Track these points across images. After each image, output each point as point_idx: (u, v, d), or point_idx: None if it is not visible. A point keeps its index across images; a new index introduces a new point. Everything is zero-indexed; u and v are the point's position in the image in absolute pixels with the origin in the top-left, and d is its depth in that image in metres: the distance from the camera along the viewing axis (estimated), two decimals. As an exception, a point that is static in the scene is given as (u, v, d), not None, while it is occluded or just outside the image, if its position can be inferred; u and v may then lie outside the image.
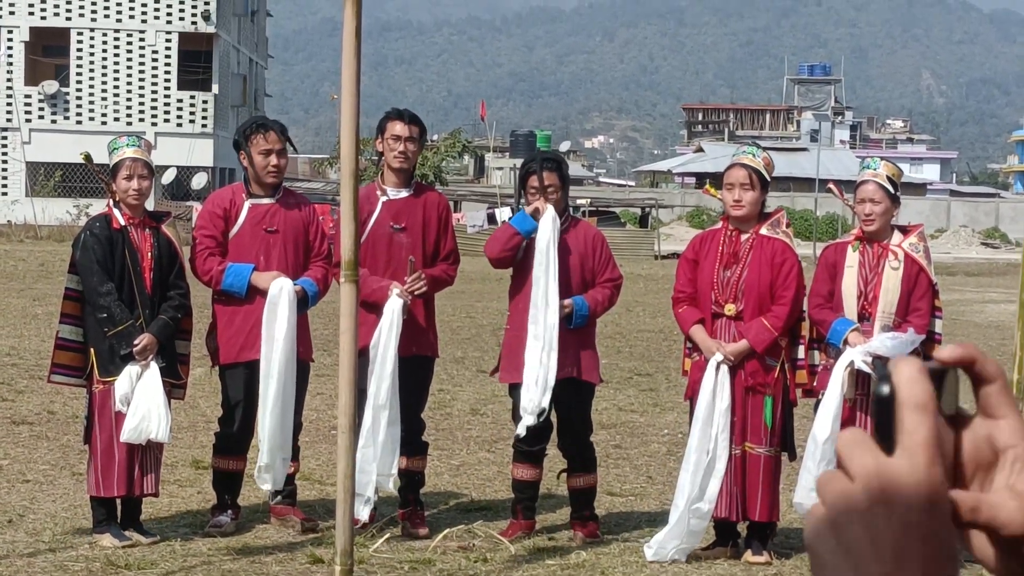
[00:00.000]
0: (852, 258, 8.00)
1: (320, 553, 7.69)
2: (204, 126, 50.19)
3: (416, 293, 8.21)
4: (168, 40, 50.40)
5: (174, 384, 8.05)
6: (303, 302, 8.21)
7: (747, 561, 7.98)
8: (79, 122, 49.55)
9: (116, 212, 8.01)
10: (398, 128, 8.41)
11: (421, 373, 8.42)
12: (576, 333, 8.16)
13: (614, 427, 12.08)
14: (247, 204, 8.36)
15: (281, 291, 8.05)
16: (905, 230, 8.12)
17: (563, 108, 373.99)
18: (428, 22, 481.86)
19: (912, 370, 0.98)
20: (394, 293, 8.11)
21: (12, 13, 50.18)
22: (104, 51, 50.22)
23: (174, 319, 7.99)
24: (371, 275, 8.12)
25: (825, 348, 8.01)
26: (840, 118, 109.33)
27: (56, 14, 50.40)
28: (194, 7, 50.43)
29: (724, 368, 7.84)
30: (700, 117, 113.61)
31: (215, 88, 50.93)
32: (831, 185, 9.59)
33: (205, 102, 50.44)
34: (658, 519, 8.51)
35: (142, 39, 50.27)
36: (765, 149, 8.47)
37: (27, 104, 49.74)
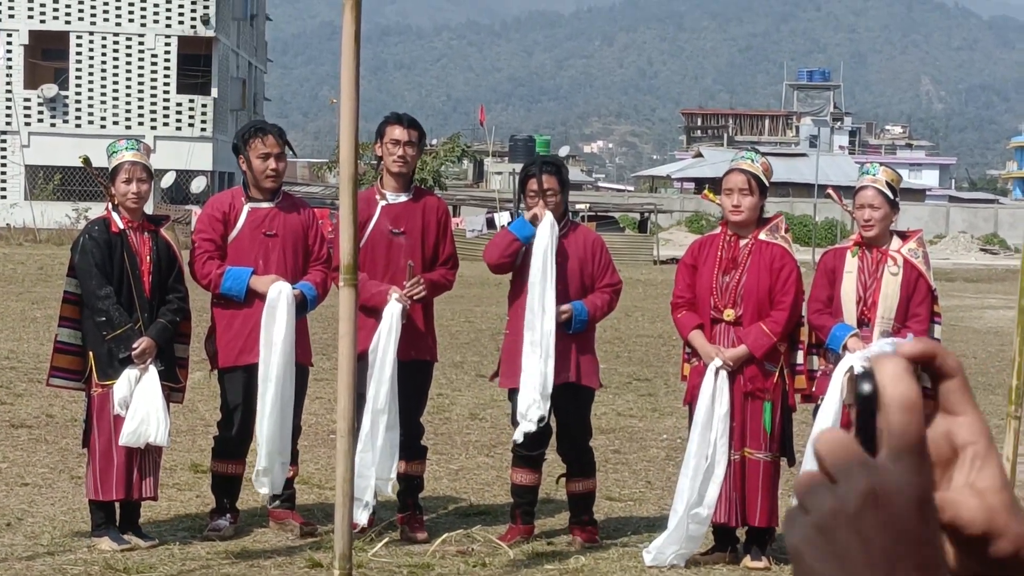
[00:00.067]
0: (851, 263, 8.00)
1: (319, 557, 7.69)
2: (203, 130, 50.19)
3: (415, 297, 8.22)
4: (167, 44, 50.41)
5: (173, 388, 8.05)
6: (302, 306, 8.22)
7: (746, 566, 7.98)
8: (78, 126, 49.56)
9: (115, 216, 8.01)
10: (397, 132, 8.42)
11: (420, 377, 8.43)
12: (575, 338, 8.16)
13: (613, 432, 12.08)
14: (246, 208, 8.36)
15: (280, 295, 8.05)
16: (904, 236, 8.12)
17: (562, 113, 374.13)
18: (427, 27, 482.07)
19: (897, 368, 0.96)
20: (393, 297, 8.11)
21: (12, 16, 50.19)
22: (103, 55, 50.23)
23: (173, 323, 7.99)
24: (370, 279, 8.12)
25: (824, 353, 8.01)
26: (839, 123, 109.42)
27: (55, 18, 50.41)
28: (193, 11, 50.44)
29: (723, 373, 7.85)
30: (699, 122, 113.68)
31: (214, 92, 50.93)
32: (830, 191, 9.59)
33: (204, 106, 50.45)
34: (657, 524, 8.51)
35: (141, 43, 50.28)
36: (764, 154, 8.49)
37: (26, 107, 49.75)
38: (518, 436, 8.16)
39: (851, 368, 7.76)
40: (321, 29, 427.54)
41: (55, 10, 50.36)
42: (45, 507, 8.75)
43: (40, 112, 49.93)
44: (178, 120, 50.24)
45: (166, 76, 50.26)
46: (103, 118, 49.71)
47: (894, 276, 7.92)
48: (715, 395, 7.82)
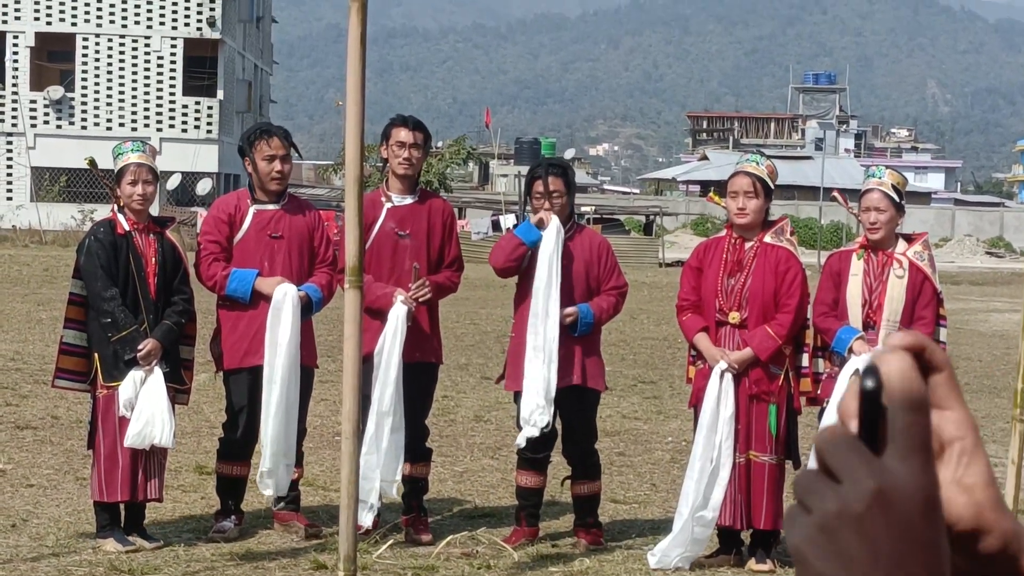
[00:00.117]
0: (856, 266, 8.00)
1: (323, 559, 7.69)
2: (209, 132, 50.23)
3: (420, 300, 8.22)
4: (173, 46, 50.45)
5: (178, 389, 8.06)
6: (307, 308, 8.22)
7: (751, 569, 7.98)
8: (84, 127, 49.60)
9: (120, 217, 8.02)
10: (403, 135, 8.42)
11: (425, 379, 8.43)
12: (581, 340, 8.16)
13: (618, 434, 12.08)
14: (252, 210, 8.36)
15: (285, 297, 8.06)
16: (910, 238, 8.11)
17: (568, 115, 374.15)
18: (433, 29, 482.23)
19: (903, 364, 0.94)
20: (398, 300, 8.11)
21: (18, 18, 50.24)
22: (109, 57, 50.27)
23: (178, 324, 7.99)
24: (375, 281, 8.12)
25: (829, 356, 8.00)
26: (845, 127, 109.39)
27: (62, 20, 50.45)
28: (199, 13, 50.48)
29: (728, 376, 7.84)
30: (705, 125, 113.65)
31: (220, 94, 50.97)
32: (836, 193, 9.58)
33: (210, 108, 50.48)
34: (662, 527, 8.51)
35: (147, 45, 50.31)
36: (769, 157, 8.48)
37: (32, 109, 49.80)
38: (520, 441, 8.17)
39: (856, 371, 7.75)
40: (327, 31, 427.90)
41: (61, 12, 50.41)
42: (50, 508, 8.76)
43: (46, 114, 49.97)
44: (184, 122, 50.27)
45: (172, 78, 50.29)
46: (109, 120, 49.74)
47: (899, 279, 7.91)
48: (720, 398, 7.82)
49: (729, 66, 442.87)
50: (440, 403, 12.09)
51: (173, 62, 50.38)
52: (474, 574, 7.68)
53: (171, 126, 50.04)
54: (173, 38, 50.45)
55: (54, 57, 51.25)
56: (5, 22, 50.11)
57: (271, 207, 8.39)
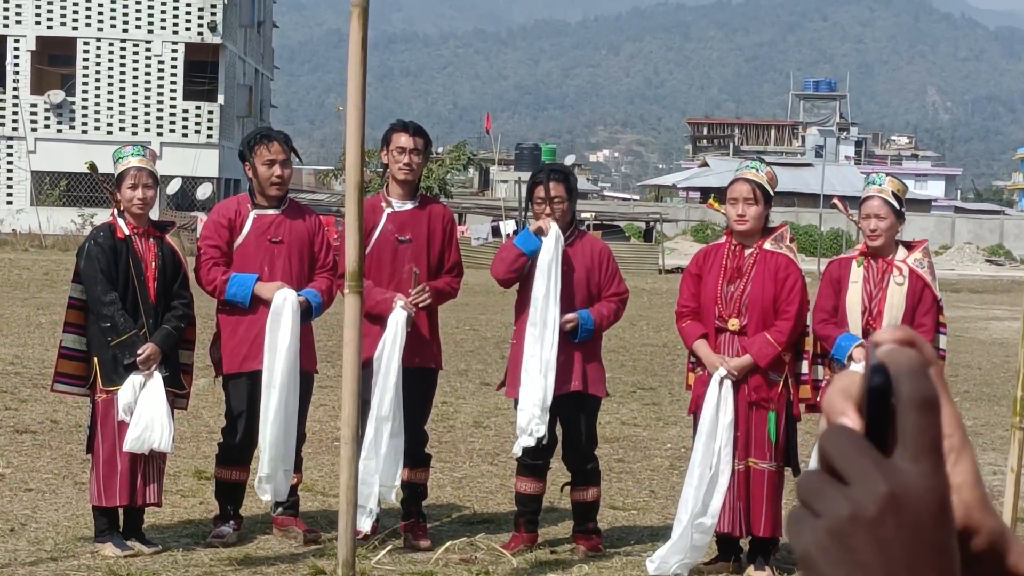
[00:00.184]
0: (856, 273, 8.00)
1: (322, 564, 7.68)
2: (209, 136, 50.24)
3: (420, 305, 8.22)
4: (174, 50, 50.47)
5: (177, 394, 8.05)
6: (307, 313, 8.22)
7: (749, 576, 7.97)
8: (84, 131, 49.62)
9: (120, 222, 8.02)
10: (403, 140, 8.42)
11: (424, 385, 8.42)
12: (582, 347, 8.16)
13: (617, 441, 12.07)
14: (252, 215, 8.36)
15: (285, 302, 8.05)
16: (909, 246, 8.11)
17: (568, 121, 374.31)
18: (434, 34, 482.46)
19: (913, 362, 0.92)
20: (398, 305, 8.10)
21: (19, 22, 50.27)
22: (110, 61, 50.29)
23: (177, 329, 7.99)
24: (375, 287, 8.12)
25: (829, 363, 8.00)
26: (845, 134, 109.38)
27: (63, 24, 50.47)
28: (200, 18, 50.51)
29: (728, 383, 7.84)
30: (705, 132, 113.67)
31: (221, 99, 50.99)
32: (836, 200, 9.59)
33: (211, 112, 50.49)
34: (661, 533, 8.50)
35: (148, 49, 50.33)
36: (769, 164, 8.48)
37: (33, 113, 49.82)
38: (517, 450, 8.19)
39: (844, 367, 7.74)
40: (328, 37, 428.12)
41: (62, 16, 50.43)
42: (49, 513, 8.76)
43: (47, 118, 49.99)
44: (184, 126, 50.29)
45: (172, 82, 50.31)
46: (109, 124, 49.76)
47: (899, 286, 7.91)
48: (719, 404, 7.82)
49: (730, 73, 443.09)
50: (439, 409, 12.09)
51: (174, 66, 50.40)
52: (473, 580, 7.67)
53: (172, 130, 50.05)
54: (174, 42, 50.47)
55: (55, 61, 51.28)
56: (6, 26, 50.13)
57: (271, 212, 8.39)
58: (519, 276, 8.20)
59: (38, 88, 50.38)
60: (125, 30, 50.39)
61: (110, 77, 50.19)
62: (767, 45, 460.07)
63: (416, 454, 8.36)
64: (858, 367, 6.85)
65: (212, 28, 50.43)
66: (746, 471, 7.90)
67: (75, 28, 50.41)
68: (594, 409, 8.39)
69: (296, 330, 8.04)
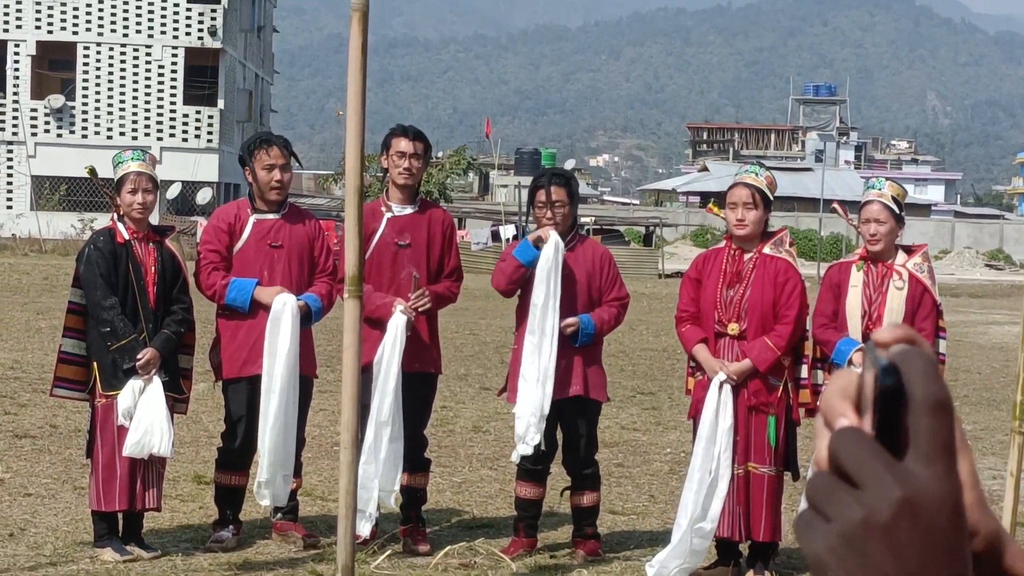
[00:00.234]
0: (856, 278, 8.00)
1: (321, 569, 7.68)
2: (209, 141, 50.26)
3: (420, 310, 8.22)
4: (174, 55, 50.49)
5: (176, 399, 8.05)
6: (306, 317, 8.21)
7: (749, 581, 7.97)
8: (84, 136, 49.64)
9: (120, 226, 8.02)
10: (403, 145, 8.42)
11: (424, 390, 8.42)
12: (582, 351, 8.17)
13: (617, 445, 12.07)
14: (252, 219, 8.36)
15: (284, 306, 8.05)
16: (909, 250, 8.11)
17: (568, 126, 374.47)
18: (434, 39, 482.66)
19: (926, 364, 0.90)
20: (398, 309, 8.11)
21: (19, 27, 50.30)
22: (110, 65, 50.31)
23: (177, 333, 7.99)
24: (375, 291, 8.12)
25: (829, 368, 8.00)
26: (845, 138, 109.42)
27: (63, 28, 50.50)
28: (200, 22, 50.53)
29: (727, 387, 7.84)
30: (705, 136, 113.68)
31: (221, 103, 51.01)
32: (835, 205, 9.59)
33: (211, 117, 50.51)
34: (660, 538, 8.50)
35: (148, 54, 50.35)
36: (769, 168, 8.48)
37: (33, 118, 49.83)
38: (515, 457, 8.20)
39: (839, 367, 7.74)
40: (328, 41, 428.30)
41: (63, 21, 50.45)
42: (48, 517, 8.75)
43: (47, 122, 50.00)
44: (184, 131, 50.30)
45: (172, 87, 50.33)
46: (109, 129, 49.78)
47: (899, 290, 7.91)
48: (719, 409, 7.81)
49: (730, 77, 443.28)
50: (439, 413, 12.09)
51: (174, 71, 50.42)
52: (472, 585, 7.67)
53: (171, 135, 50.07)
54: (174, 47, 50.49)
55: (55, 66, 51.29)
56: (6, 30, 50.16)
57: (271, 216, 8.39)
58: (519, 286, 8.20)
59: (38, 93, 50.40)
60: (125, 35, 50.41)
61: (110, 82, 50.21)
62: (767, 50, 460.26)
63: (415, 459, 8.36)
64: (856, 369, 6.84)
65: (212, 33, 50.45)
66: (746, 475, 7.90)
67: (75, 33, 50.43)
68: (595, 414, 8.39)
69: (296, 335, 8.03)
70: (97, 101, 50.12)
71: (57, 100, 49.70)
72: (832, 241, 56.22)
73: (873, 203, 7.99)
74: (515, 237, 38.15)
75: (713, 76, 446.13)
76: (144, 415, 7.77)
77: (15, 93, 49.79)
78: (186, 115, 50.37)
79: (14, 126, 49.30)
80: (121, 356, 7.80)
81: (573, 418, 8.23)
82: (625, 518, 9.49)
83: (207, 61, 50.84)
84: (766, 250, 8.01)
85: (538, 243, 8.11)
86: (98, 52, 50.35)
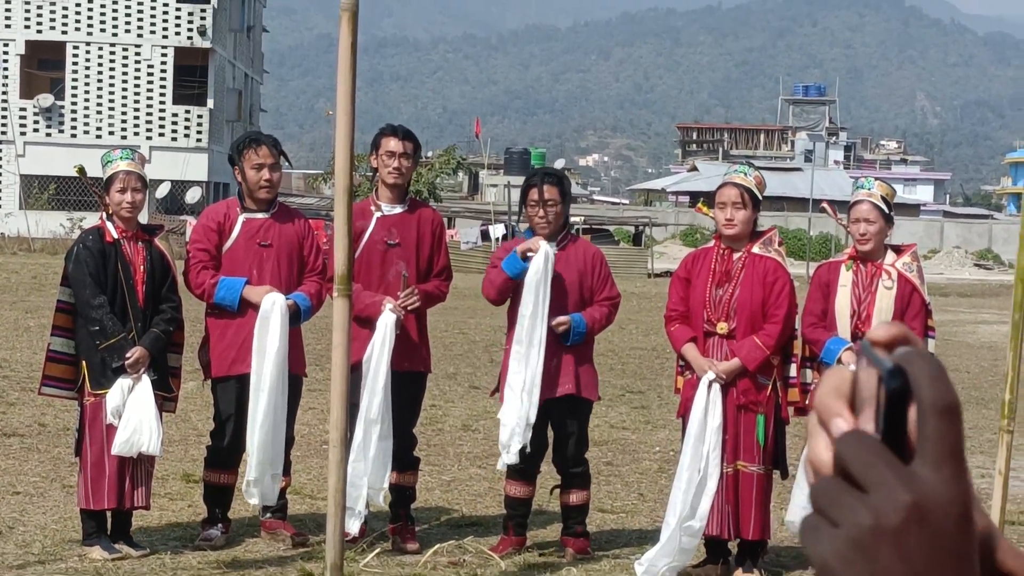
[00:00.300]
0: (845, 277, 8.01)
1: (310, 567, 7.68)
2: (199, 140, 50.20)
3: (409, 308, 8.22)
4: (164, 54, 50.44)
5: (165, 397, 8.05)
6: (295, 316, 8.21)
7: (738, 579, 7.98)
8: (74, 135, 49.57)
9: (109, 225, 8.01)
10: (392, 144, 8.42)
11: (413, 388, 8.42)
12: (574, 350, 8.17)
13: (606, 444, 12.08)
14: (241, 218, 8.36)
15: (273, 305, 8.05)
16: (899, 250, 8.13)
17: (558, 126, 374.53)
18: (424, 39, 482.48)
19: (933, 367, 0.88)
20: (387, 308, 8.11)
21: (8, 26, 50.22)
22: (100, 65, 50.24)
23: (166, 332, 7.99)
24: (364, 290, 8.12)
25: (818, 367, 8.01)
26: (834, 138, 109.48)
27: (52, 28, 50.43)
28: (190, 22, 50.48)
29: (716, 386, 7.84)
30: (694, 136, 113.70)
31: (210, 103, 50.96)
32: (825, 205, 9.61)
33: (200, 116, 50.46)
34: (649, 536, 8.51)
35: (138, 53, 50.29)
36: (757, 168, 8.49)
37: (22, 117, 49.76)
38: (500, 466, 8.22)
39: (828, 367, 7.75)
40: (318, 41, 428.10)
41: (52, 20, 50.38)
42: (37, 516, 8.74)
43: (36, 122, 49.93)
44: (174, 131, 50.25)
45: (162, 87, 50.27)
46: (99, 128, 49.71)
47: (888, 290, 7.93)
48: (708, 408, 7.82)
49: (719, 78, 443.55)
50: (428, 412, 12.09)
51: (163, 71, 50.37)
52: (461, 583, 7.67)
53: (161, 134, 50.02)
54: (163, 47, 50.43)
55: (44, 65, 51.21)
56: (-5, 30, 50.07)
57: (260, 216, 8.39)
58: (509, 295, 8.22)
59: (27, 92, 50.32)
60: (115, 34, 50.35)
61: (99, 81, 50.15)
62: (757, 50, 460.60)
63: (405, 457, 8.36)
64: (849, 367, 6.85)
65: (202, 32, 50.40)
66: (735, 474, 7.91)
67: (64, 32, 50.36)
68: (586, 413, 8.40)
69: (285, 334, 8.03)
70: (86, 100, 50.05)
71: (46, 99, 49.62)
72: (821, 241, 56.28)
73: (862, 203, 8.00)
74: (505, 237, 38.14)
75: (703, 76, 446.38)
76: (133, 414, 7.77)
77: (4, 92, 49.71)
78: (175, 114, 50.32)
79: (3, 125, 49.22)
80: (110, 355, 7.80)
81: (564, 416, 8.24)
82: (614, 516, 9.49)
83: (196, 61, 50.79)
84: (755, 249, 8.02)
85: (527, 254, 8.09)
86: (87, 51, 50.29)
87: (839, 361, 7.78)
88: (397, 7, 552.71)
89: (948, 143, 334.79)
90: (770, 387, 7.93)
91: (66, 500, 9.00)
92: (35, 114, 49.88)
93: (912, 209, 75.44)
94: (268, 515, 8.40)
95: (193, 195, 44.58)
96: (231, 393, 8.27)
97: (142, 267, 7.99)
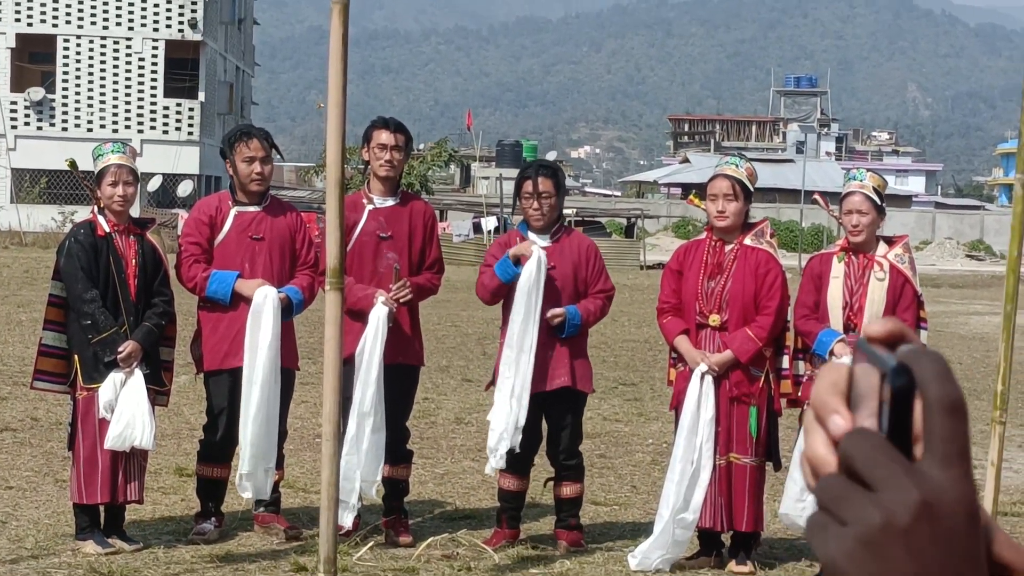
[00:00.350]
0: (837, 269, 8.02)
1: (303, 561, 7.68)
2: (190, 134, 50.15)
3: (401, 300, 8.21)
4: (155, 47, 50.37)
5: (158, 391, 8.04)
6: (288, 310, 8.20)
7: (731, 571, 7.98)
8: (65, 129, 49.50)
9: (101, 219, 8.00)
10: (384, 137, 8.42)
11: (406, 381, 8.42)
12: (569, 343, 8.18)
13: (599, 436, 12.08)
14: (233, 212, 8.35)
15: (265, 299, 8.04)
16: (890, 241, 8.13)
17: (550, 118, 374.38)
18: (415, 31, 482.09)
19: (938, 364, 0.88)
20: (379, 301, 8.10)
21: (-2, 19, 50.13)
22: (90, 58, 50.17)
23: (158, 326, 7.98)
24: (356, 283, 8.12)
25: (810, 358, 8.01)
26: (826, 130, 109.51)
27: (43, 21, 50.34)
28: (181, 15, 50.40)
29: (709, 378, 7.85)
30: (686, 128, 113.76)
31: (201, 96, 50.89)
32: (817, 196, 9.61)
33: (191, 110, 50.41)
34: (642, 529, 8.51)
35: (128, 46, 50.22)
36: (749, 160, 8.49)
37: (13, 111, 49.67)
38: (488, 470, 8.22)
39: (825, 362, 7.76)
40: (309, 34, 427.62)
41: (42, 13, 50.29)
42: (29, 510, 8.73)
43: (27, 115, 49.85)
44: (165, 124, 50.19)
45: (153, 80, 50.21)
46: (90, 121, 49.65)
47: (880, 281, 7.93)
48: (701, 400, 7.83)
49: (711, 69, 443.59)
50: (421, 405, 12.09)
51: (154, 64, 50.30)
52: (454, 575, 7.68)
53: (152, 128, 49.95)
54: (154, 40, 50.37)
55: (35, 58, 51.14)
56: (-14, 23, 49.98)
57: (252, 209, 8.38)
58: (502, 297, 8.21)
59: (18, 85, 50.23)
60: (105, 27, 50.27)
61: (90, 74, 50.08)
62: (748, 42, 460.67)
63: (398, 450, 8.36)
64: (840, 362, 6.86)
65: (192, 25, 50.34)
66: (727, 466, 7.92)
67: (55, 25, 50.28)
68: (581, 405, 8.41)
69: (277, 327, 8.03)
70: (77, 94, 49.98)
71: (37, 93, 49.54)
72: (813, 232, 56.32)
73: (855, 194, 8.01)
74: (497, 229, 38.13)
75: (694, 68, 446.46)
76: (125, 408, 7.76)
77: (-5, 86, 49.62)
78: (167, 108, 50.26)
79: (-6, 119, 49.14)
80: (102, 349, 7.79)
81: (559, 409, 8.24)
82: (607, 509, 9.50)
83: (187, 54, 50.71)
84: (747, 241, 8.03)
85: (517, 261, 8.08)
86: (78, 45, 50.21)
87: (831, 353, 7.78)
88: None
89: (939, 134, 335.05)
90: (763, 379, 7.94)
91: (59, 494, 8.99)
92: (26, 108, 49.80)
93: (904, 200, 75.50)
94: (261, 509, 8.39)
95: (185, 188, 44.53)
96: (224, 387, 8.26)
97: (134, 261, 7.98)
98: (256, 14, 65.52)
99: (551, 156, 67.61)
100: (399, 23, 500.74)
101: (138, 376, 7.83)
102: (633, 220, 51.24)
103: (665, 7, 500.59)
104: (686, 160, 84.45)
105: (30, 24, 50.31)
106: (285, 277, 8.31)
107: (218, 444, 8.33)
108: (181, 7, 50.36)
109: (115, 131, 48.16)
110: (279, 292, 8.13)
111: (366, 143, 8.52)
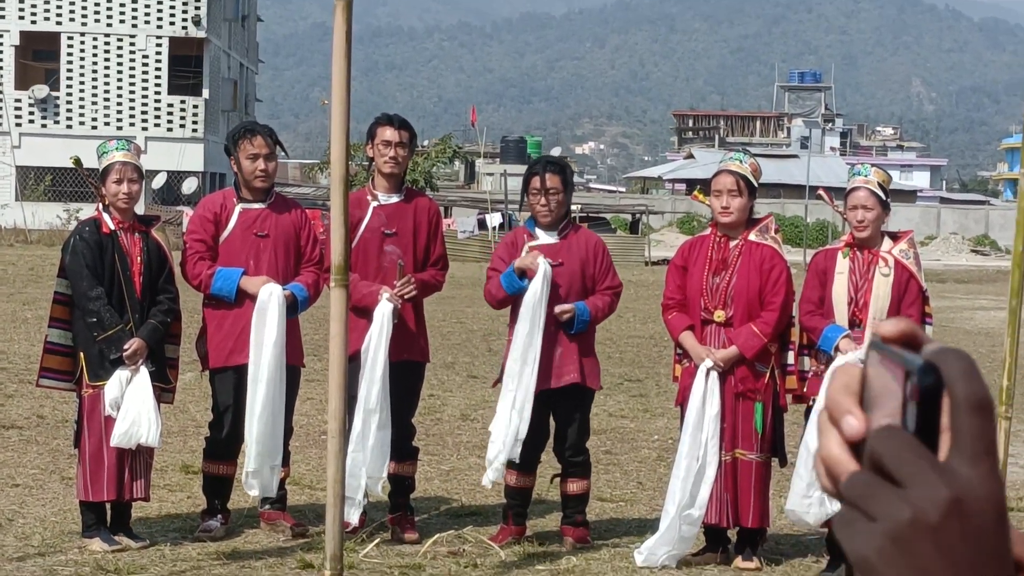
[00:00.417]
0: (842, 264, 8.01)
1: (310, 558, 7.68)
2: (194, 131, 50.14)
3: (406, 297, 8.22)
4: (158, 45, 50.35)
5: (163, 388, 8.04)
6: (293, 307, 8.21)
7: (737, 567, 7.98)
8: (69, 126, 49.49)
9: (105, 216, 8.00)
10: (388, 133, 8.42)
11: (412, 378, 8.42)
12: (578, 339, 8.18)
13: (605, 433, 12.08)
14: (238, 208, 8.35)
15: (270, 296, 8.04)
16: (895, 236, 8.12)
17: (554, 114, 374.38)
18: (419, 28, 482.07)
19: (965, 363, 0.88)
20: (384, 297, 8.10)
21: (2, 17, 50.12)
22: (94, 55, 50.16)
23: (163, 323, 7.98)
24: (361, 280, 8.12)
25: (816, 354, 8.01)
26: (830, 125, 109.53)
27: (47, 18, 50.33)
28: (185, 12, 50.40)
29: (714, 374, 7.85)
30: (691, 123, 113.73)
31: (205, 93, 50.89)
32: (821, 191, 9.60)
33: (195, 107, 50.39)
34: (648, 525, 8.52)
35: (132, 44, 50.21)
36: (753, 155, 8.49)
37: (17, 108, 49.68)
38: (486, 482, 8.21)
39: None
40: (312, 30, 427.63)
41: (46, 11, 50.29)
42: (36, 508, 8.74)
43: (31, 113, 49.85)
44: (169, 121, 50.18)
45: (157, 77, 50.19)
46: (94, 119, 49.64)
47: (885, 277, 7.92)
48: (706, 396, 7.83)
49: (715, 64, 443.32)
50: (426, 402, 12.09)
51: (158, 61, 50.28)
52: (461, 573, 7.68)
53: (156, 125, 49.94)
54: (158, 37, 50.35)
55: (39, 56, 51.12)
56: (-10, 21, 49.99)
57: (257, 206, 8.38)
58: (509, 305, 8.21)
59: (22, 83, 50.22)
60: (109, 24, 50.26)
61: (94, 72, 50.06)
62: (752, 37, 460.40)
63: (403, 447, 8.37)
64: (845, 358, 6.83)
65: (196, 22, 50.33)
66: (733, 462, 7.92)
67: (59, 23, 50.27)
68: (588, 401, 8.42)
69: (282, 324, 8.03)
70: (81, 91, 49.97)
71: (41, 90, 49.54)
72: (818, 228, 56.29)
73: (859, 189, 8.00)
74: (501, 226, 38.11)
75: (698, 63, 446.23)
76: (131, 405, 7.76)
77: (-1, 84, 49.65)
78: (171, 105, 50.24)
79: (-2, 117, 49.16)
80: (108, 346, 7.79)
81: (567, 405, 8.24)
82: (613, 505, 9.50)
83: (191, 51, 50.70)
84: (752, 237, 8.02)
85: (522, 274, 8.06)
86: (82, 42, 50.20)
87: (837, 348, 7.78)
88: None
89: (944, 129, 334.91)
90: (768, 375, 7.94)
91: (65, 492, 9.00)
92: (30, 105, 49.80)
93: (908, 195, 75.46)
94: (267, 506, 8.40)
95: (189, 185, 44.54)
96: (229, 384, 8.26)
97: (139, 258, 7.98)
98: (260, 11, 65.53)
99: (555, 152, 67.61)
100: (403, 20, 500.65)
101: (144, 373, 7.84)
102: (638, 216, 51.22)
103: (668, 2, 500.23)
104: (690, 156, 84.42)
105: (34, 22, 50.31)
106: (290, 274, 8.31)
107: (224, 441, 8.34)
108: (185, 4, 50.35)
109: (119, 128, 48.15)
110: (284, 289, 8.13)
111: (370, 140, 8.52)
